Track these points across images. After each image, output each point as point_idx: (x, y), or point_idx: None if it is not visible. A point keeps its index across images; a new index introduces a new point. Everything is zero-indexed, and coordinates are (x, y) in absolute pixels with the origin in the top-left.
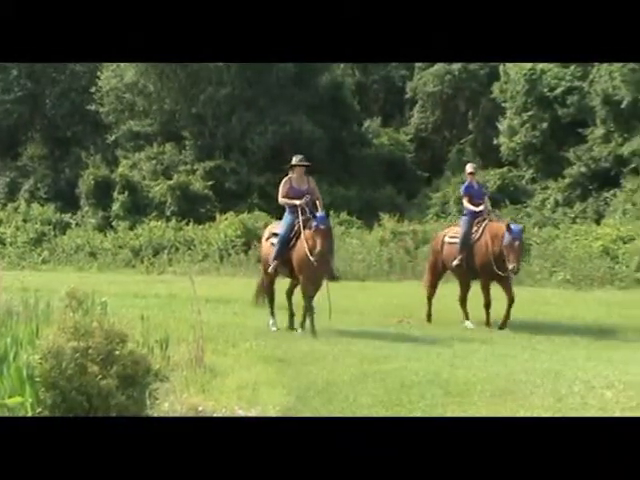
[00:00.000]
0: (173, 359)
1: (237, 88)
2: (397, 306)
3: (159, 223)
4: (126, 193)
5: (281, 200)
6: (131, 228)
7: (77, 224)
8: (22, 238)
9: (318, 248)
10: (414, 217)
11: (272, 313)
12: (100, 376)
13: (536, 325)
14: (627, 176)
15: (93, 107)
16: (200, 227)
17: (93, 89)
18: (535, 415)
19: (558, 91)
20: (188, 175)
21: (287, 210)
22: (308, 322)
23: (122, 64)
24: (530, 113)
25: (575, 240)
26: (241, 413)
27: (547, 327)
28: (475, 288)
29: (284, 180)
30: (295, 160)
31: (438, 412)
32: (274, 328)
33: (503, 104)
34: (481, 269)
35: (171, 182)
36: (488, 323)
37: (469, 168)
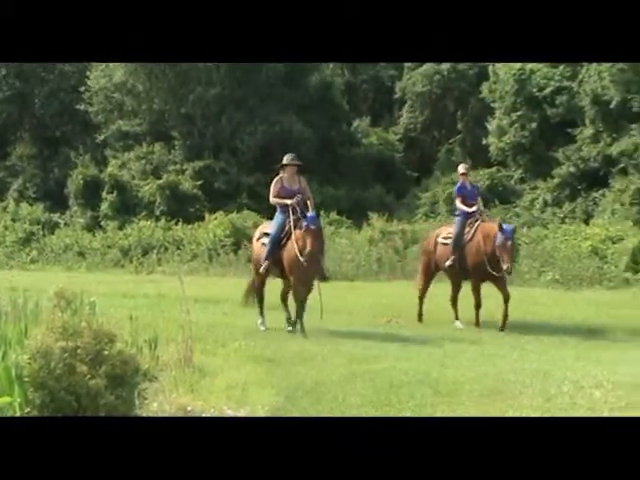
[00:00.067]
0: (162, 359)
1: (226, 88)
2: (386, 306)
3: (148, 223)
4: (115, 193)
5: (272, 200)
6: (120, 228)
7: (66, 224)
8: (11, 238)
9: (308, 248)
10: (403, 217)
11: (261, 313)
12: (89, 376)
13: (525, 325)
14: (616, 176)
15: (82, 107)
16: (189, 227)
17: (82, 89)
18: (524, 415)
19: (547, 91)
20: (177, 175)
21: (278, 210)
22: (298, 322)
23: (111, 64)
24: (519, 113)
25: (564, 240)
26: (230, 413)
27: (536, 327)
28: (466, 288)
29: (275, 180)
30: (286, 159)
31: (427, 412)
32: (263, 327)
33: (492, 104)
34: (473, 270)
35: (160, 182)
36: (478, 323)
37: (461, 169)
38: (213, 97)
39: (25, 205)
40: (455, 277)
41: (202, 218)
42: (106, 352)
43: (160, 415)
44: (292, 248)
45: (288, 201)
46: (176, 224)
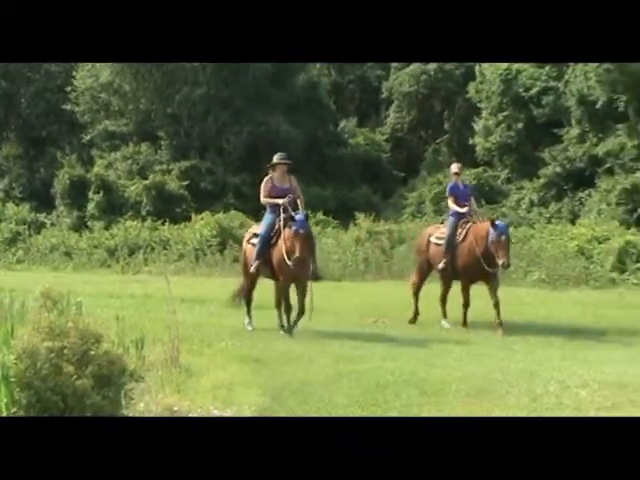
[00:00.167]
0: (148, 359)
1: (213, 88)
2: (373, 306)
3: (134, 223)
4: (101, 193)
5: (263, 200)
6: (106, 228)
7: (52, 224)
8: None
9: (297, 254)
10: (390, 217)
11: (249, 313)
12: (75, 376)
13: (511, 325)
14: (602, 176)
15: (68, 107)
16: (176, 227)
17: (69, 89)
18: (510, 415)
19: (533, 91)
20: (164, 175)
21: (268, 209)
22: (284, 321)
23: (97, 64)
24: (505, 113)
25: (550, 240)
26: (216, 413)
27: (522, 327)
28: (456, 288)
29: (265, 179)
30: (277, 158)
31: (414, 412)
32: (250, 328)
33: (479, 104)
34: (463, 271)
35: (147, 182)
36: (465, 323)
37: (454, 168)
38: (199, 97)
39: (11, 205)
40: (447, 277)
41: (188, 218)
42: (92, 352)
43: (147, 415)
44: (281, 247)
45: (279, 201)
46: (162, 224)
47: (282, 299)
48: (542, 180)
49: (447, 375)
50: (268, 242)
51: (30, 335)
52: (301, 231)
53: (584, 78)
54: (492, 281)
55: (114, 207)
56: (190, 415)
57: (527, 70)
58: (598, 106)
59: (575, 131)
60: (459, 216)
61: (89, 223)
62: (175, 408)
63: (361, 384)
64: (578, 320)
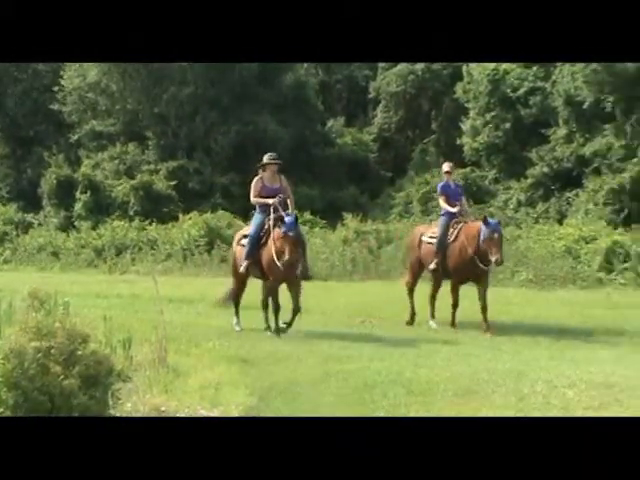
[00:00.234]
0: (136, 359)
1: (200, 87)
2: (361, 306)
3: (122, 223)
4: (89, 193)
5: (253, 200)
6: (94, 228)
7: (39, 224)
8: None
9: (286, 257)
10: (377, 217)
11: (237, 313)
12: (62, 376)
13: (499, 325)
14: (589, 176)
15: (56, 106)
16: (163, 227)
17: (56, 88)
18: (498, 414)
19: (521, 92)
20: (151, 175)
21: (258, 209)
22: (272, 322)
23: (85, 64)
24: (493, 113)
25: (538, 240)
26: (204, 413)
27: (510, 327)
28: (445, 288)
29: (255, 179)
30: (267, 158)
31: (401, 412)
32: (238, 328)
33: (466, 104)
34: (453, 271)
35: (134, 182)
36: (453, 324)
37: (446, 167)
38: (187, 97)
39: None
40: (437, 277)
41: (176, 218)
42: (80, 352)
43: (134, 415)
44: (271, 248)
45: (270, 201)
46: (150, 224)
47: (270, 299)
48: (529, 180)
49: (434, 375)
50: (258, 242)
51: (17, 335)
52: (290, 234)
53: (571, 79)
54: (482, 282)
55: (101, 207)
56: (177, 415)
57: (515, 70)
58: (585, 106)
59: (562, 131)
60: (451, 216)
61: (76, 223)
62: (162, 408)
63: (349, 384)
64: (565, 320)
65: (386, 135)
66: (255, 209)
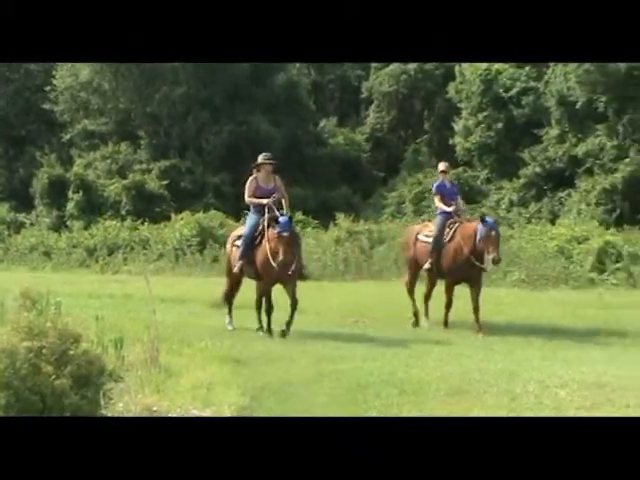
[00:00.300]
0: (128, 359)
1: (192, 87)
2: (353, 306)
3: (114, 222)
4: (81, 192)
5: (248, 200)
6: (86, 227)
7: (31, 223)
8: None
9: (281, 257)
10: (370, 217)
11: (230, 313)
12: (54, 376)
13: (491, 325)
14: (581, 176)
15: (48, 106)
16: (155, 226)
17: (48, 88)
18: (490, 414)
19: (513, 92)
20: (143, 174)
21: (252, 209)
22: (264, 322)
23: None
24: (485, 113)
25: (530, 240)
26: (196, 413)
27: (502, 327)
28: (439, 287)
29: (250, 179)
30: (261, 158)
31: (394, 412)
32: (230, 327)
33: (458, 104)
34: (448, 271)
35: (126, 181)
36: (446, 324)
37: (442, 166)
38: (179, 96)
39: None
40: (432, 277)
41: (168, 218)
42: (71, 352)
43: (126, 415)
44: (265, 248)
45: (264, 201)
46: (142, 224)
47: (263, 300)
48: (522, 180)
49: (426, 375)
50: (252, 243)
51: (9, 335)
52: (284, 234)
53: (564, 79)
54: (476, 283)
55: (93, 207)
56: (169, 415)
57: (507, 70)
58: (578, 107)
59: (555, 131)
60: (447, 215)
61: (68, 223)
62: (154, 408)
63: (342, 384)
64: (558, 320)
65: (378, 135)
66: (249, 209)
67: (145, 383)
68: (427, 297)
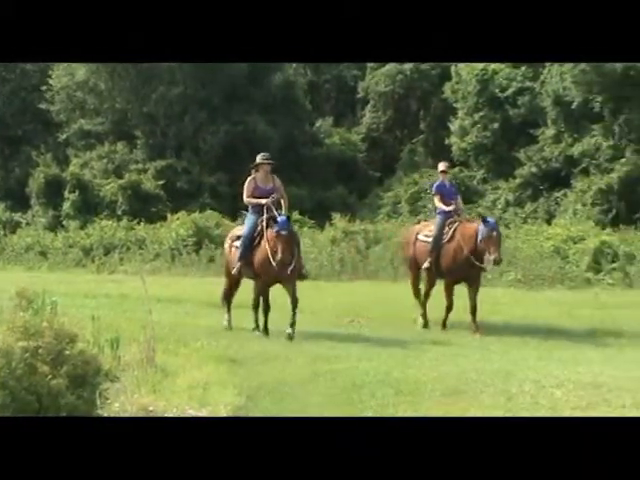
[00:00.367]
0: (124, 359)
1: (189, 87)
2: (349, 306)
3: (110, 222)
4: (77, 192)
5: (246, 200)
6: (82, 227)
7: (27, 223)
8: None
9: (279, 256)
10: (365, 217)
11: (228, 312)
12: (50, 376)
13: (487, 325)
14: (577, 176)
15: (44, 106)
16: (151, 226)
17: (44, 87)
18: (486, 414)
19: (509, 92)
20: (139, 174)
21: (250, 210)
22: (261, 322)
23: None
24: (481, 113)
25: (526, 240)
26: (192, 413)
27: (498, 327)
28: (438, 287)
29: (248, 180)
30: (260, 158)
31: (389, 411)
32: (227, 326)
33: (454, 104)
34: (447, 271)
35: (122, 181)
36: (444, 325)
37: (441, 166)
38: (176, 96)
39: None
40: (431, 276)
41: (164, 218)
42: (67, 352)
43: (122, 415)
44: (264, 248)
45: (263, 201)
46: (138, 224)
47: (261, 299)
48: (518, 180)
49: (422, 375)
50: (251, 243)
51: (5, 335)
52: (283, 232)
53: (560, 79)
54: (474, 283)
55: (89, 206)
56: (166, 415)
57: (503, 70)
58: (574, 107)
59: (551, 131)
60: (446, 215)
61: (64, 222)
62: (150, 408)
63: (337, 384)
64: (554, 320)
65: (374, 135)
66: (246, 209)
67: (141, 383)
68: (426, 297)
